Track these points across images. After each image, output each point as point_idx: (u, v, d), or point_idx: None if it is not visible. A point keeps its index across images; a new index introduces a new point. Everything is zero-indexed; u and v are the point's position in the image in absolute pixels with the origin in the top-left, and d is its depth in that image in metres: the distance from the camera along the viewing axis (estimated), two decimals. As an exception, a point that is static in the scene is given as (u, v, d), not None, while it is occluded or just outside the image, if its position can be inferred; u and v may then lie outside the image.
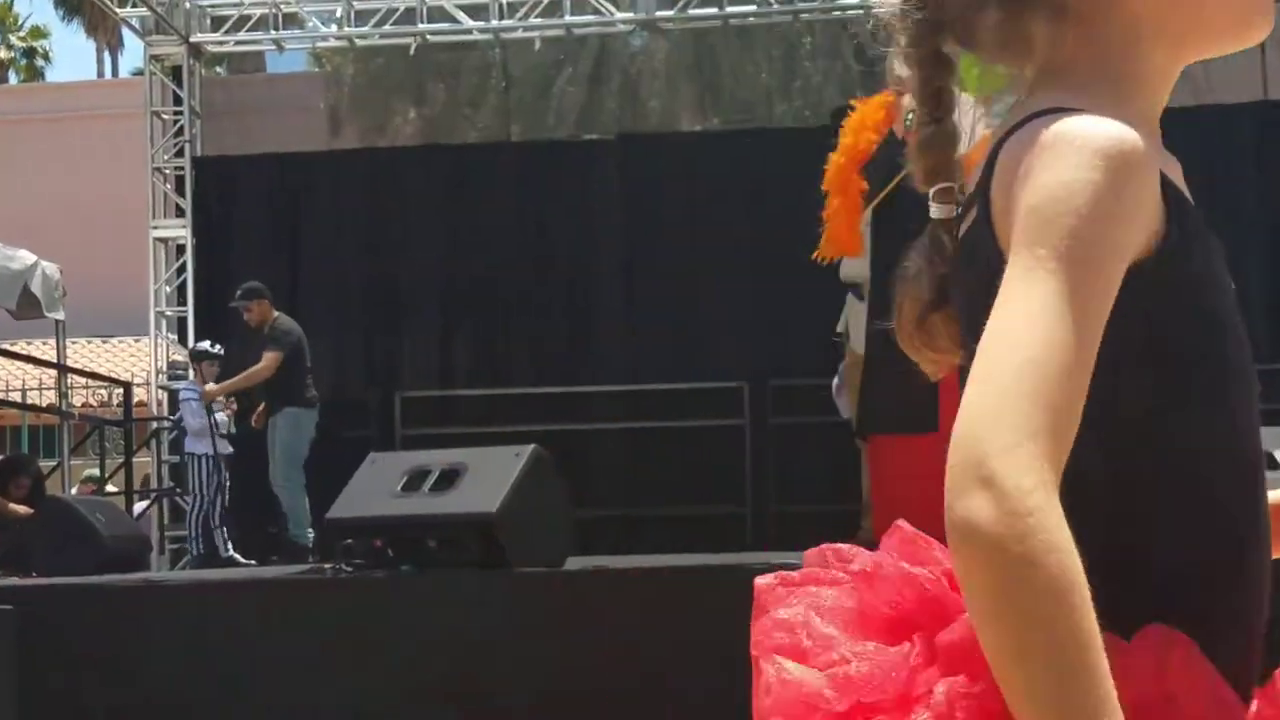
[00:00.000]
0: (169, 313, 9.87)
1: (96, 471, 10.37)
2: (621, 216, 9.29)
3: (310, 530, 7.94)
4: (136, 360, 14.27)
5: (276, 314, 8.26)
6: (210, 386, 8.49)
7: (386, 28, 9.56)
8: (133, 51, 41.19)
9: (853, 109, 5.83)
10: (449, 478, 4.71)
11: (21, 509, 7.59)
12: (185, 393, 8.40)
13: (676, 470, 8.86)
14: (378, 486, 4.77)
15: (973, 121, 1.29)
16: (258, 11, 9.70)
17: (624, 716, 4.45)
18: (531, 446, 4.97)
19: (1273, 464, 4.36)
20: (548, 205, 9.39)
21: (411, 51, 9.89)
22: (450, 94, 11.02)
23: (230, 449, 8.50)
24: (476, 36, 9.67)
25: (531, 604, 4.66)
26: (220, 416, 8.35)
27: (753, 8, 9.25)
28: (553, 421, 8.92)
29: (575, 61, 10.09)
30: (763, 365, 9.03)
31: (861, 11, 9.08)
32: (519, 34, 9.61)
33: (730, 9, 9.23)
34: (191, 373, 8.67)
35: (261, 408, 8.22)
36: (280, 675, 4.55)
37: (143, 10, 9.66)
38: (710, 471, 8.83)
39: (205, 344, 8.60)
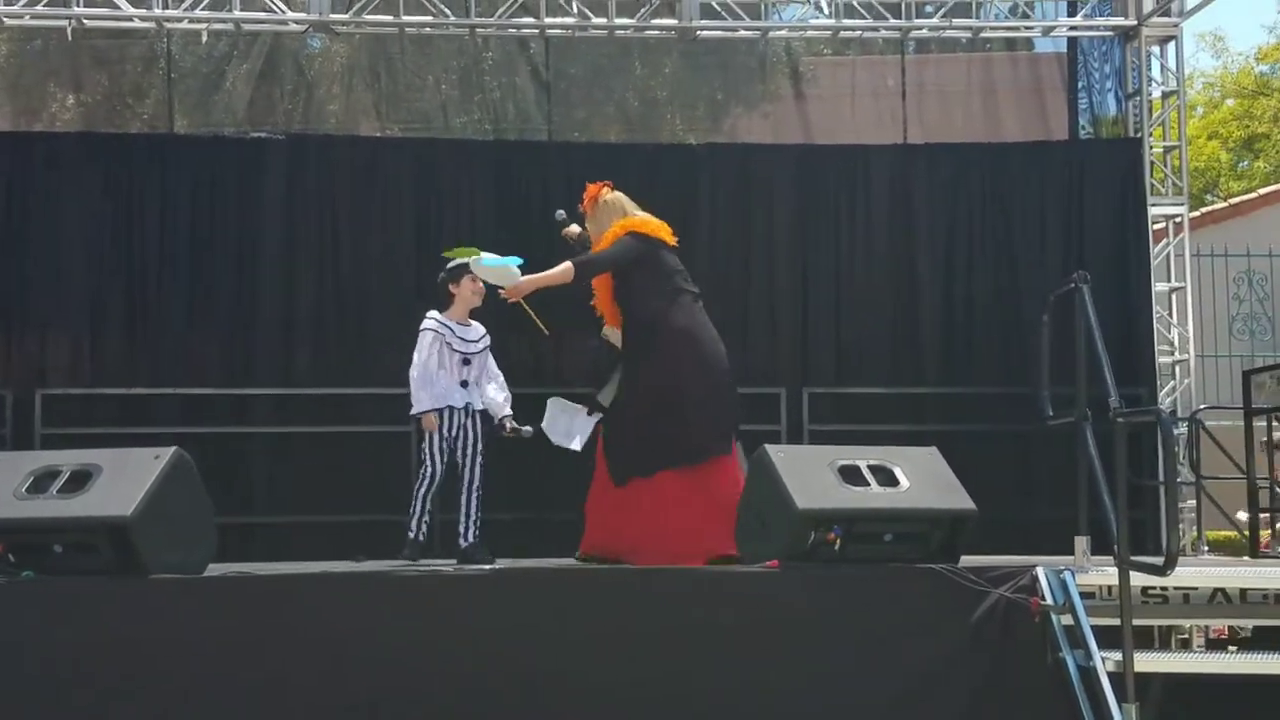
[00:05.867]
0: None
1: None
2: (288, 217, 9.12)
3: None
4: None
5: None
6: None
7: (39, 8, 9.05)
8: None
9: None
10: (80, 479, 4.53)
11: None
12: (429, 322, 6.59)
13: (336, 477, 8.76)
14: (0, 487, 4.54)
15: None
16: (-108, -20, 9.01)
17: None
18: (173, 449, 4.84)
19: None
20: (212, 200, 9.10)
21: (69, 36, 9.39)
22: (113, 82, 10.49)
23: (467, 402, 6.53)
24: (137, 24, 9.27)
25: (167, 612, 4.54)
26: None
27: (429, 18, 9.27)
28: (213, 424, 8.69)
29: (246, 57, 9.79)
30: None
31: (536, 32, 9.24)
32: (184, 25, 9.29)
33: (406, 18, 9.22)
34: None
35: None
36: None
37: None
38: (372, 479, 8.76)
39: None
